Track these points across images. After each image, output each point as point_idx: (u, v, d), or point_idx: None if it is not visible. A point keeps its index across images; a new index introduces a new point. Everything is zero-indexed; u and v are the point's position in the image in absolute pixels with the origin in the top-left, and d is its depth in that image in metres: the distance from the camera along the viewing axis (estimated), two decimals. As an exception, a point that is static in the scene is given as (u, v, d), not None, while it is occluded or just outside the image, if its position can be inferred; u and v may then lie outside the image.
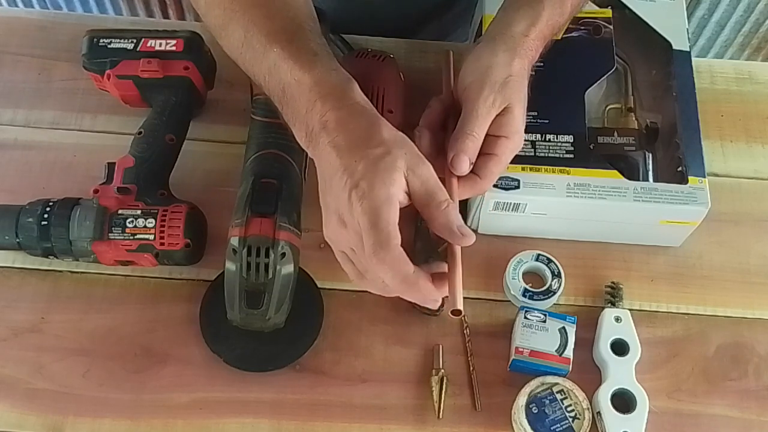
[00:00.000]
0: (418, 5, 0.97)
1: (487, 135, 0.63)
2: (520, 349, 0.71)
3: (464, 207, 0.79)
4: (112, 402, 0.70)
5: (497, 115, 0.63)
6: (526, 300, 0.74)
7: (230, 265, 0.66)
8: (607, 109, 0.82)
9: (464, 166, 0.63)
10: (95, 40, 0.79)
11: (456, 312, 0.57)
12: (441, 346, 0.73)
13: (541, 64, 0.79)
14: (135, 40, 0.78)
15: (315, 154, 0.60)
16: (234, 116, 0.84)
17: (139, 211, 0.71)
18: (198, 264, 0.76)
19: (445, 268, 0.59)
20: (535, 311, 0.73)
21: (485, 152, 0.63)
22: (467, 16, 0.92)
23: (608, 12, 0.82)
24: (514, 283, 0.75)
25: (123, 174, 0.73)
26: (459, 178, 0.63)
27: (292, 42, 0.61)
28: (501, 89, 0.63)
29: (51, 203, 0.72)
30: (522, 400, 0.69)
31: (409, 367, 0.73)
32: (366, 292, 0.75)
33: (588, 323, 0.74)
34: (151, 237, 0.71)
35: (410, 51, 0.90)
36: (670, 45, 0.81)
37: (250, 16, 0.63)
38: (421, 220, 0.78)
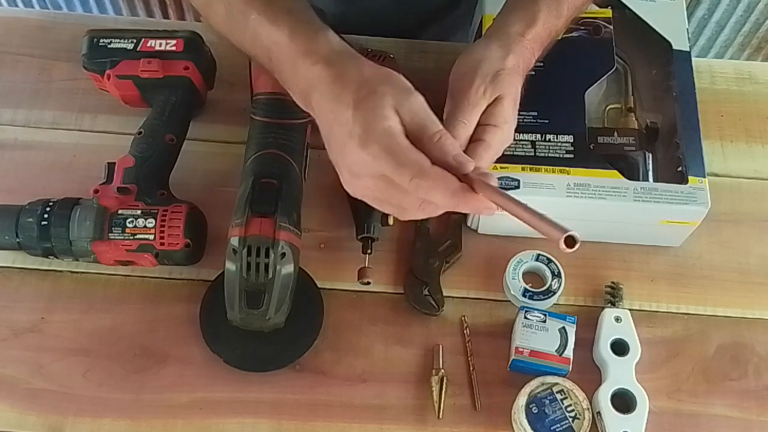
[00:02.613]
0: (419, 8, 0.97)
1: (477, 125, 0.63)
2: (520, 349, 0.71)
3: (464, 207, 0.79)
4: (112, 402, 0.70)
5: (488, 106, 0.63)
6: (526, 300, 0.74)
7: (230, 265, 0.66)
8: (607, 109, 0.82)
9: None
10: (95, 40, 0.79)
11: (570, 240, 0.49)
12: (441, 346, 0.73)
13: (541, 64, 0.79)
14: (135, 40, 0.78)
15: (313, 114, 0.60)
16: (234, 116, 0.84)
17: (139, 211, 0.71)
18: (198, 264, 0.76)
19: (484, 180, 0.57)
20: (535, 311, 0.73)
21: (475, 139, 0.63)
22: (467, 18, 0.92)
23: (608, 12, 0.82)
24: (514, 283, 0.75)
25: (123, 174, 0.73)
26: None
27: (269, 4, 0.61)
28: (492, 80, 0.63)
29: (51, 203, 0.72)
30: (522, 400, 0.69)
31: (409, 367, 0.73)
32: (366, 291, 0.76)
33: (588, 323, 0.74)
34: (151, 237, 0.71)
35: (410, 51, 0.90)
36: (670, 45, 0.81)
37: None
38: (421, 220, 0.79)
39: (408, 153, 0.54)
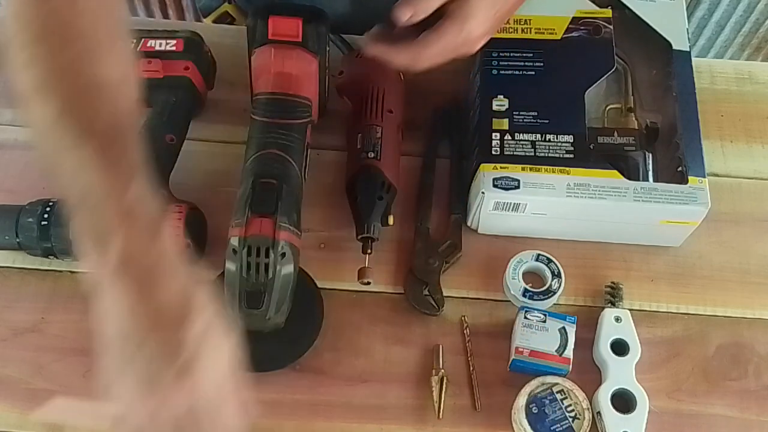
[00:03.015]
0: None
1: (441, 15, 0.64)
2: (520, 349, 0.71)
3: (464, 207, 0.79)
4: (112, 402, 0.70)
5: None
6: (526, 300, 0.74)
7: (230, 265, 0.66)
8: (607, 109, 0.82)
9: (402, 16, 0.64)
10: (95, 40, 0.79)
11: None
12: (441, 346, 0.73)
13: (541, 63, 0.79)
14: (135, 40, 0.78)
15: (103, 300, 0.51)
16: (234, 116, 0.84)
17: (139, 211, 0.71)
18: (198, 264, 0.75)
19: None
20: (535, 311, 0.73)
21: (433, 27, 0.64)
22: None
23: (608, 12, 0.82)
24: (514, 283, 0.75)
25: (123, 174, 0.73)
26: (396, 42, 0.66)
27: (111, 146, 0.51)
28: None
29: (51, 203, 0.72)
30: (522, 400, 0.69)
31: (409, 367, 0.73)
32: (366, 291, 0.76)
33: (588, 323, 0.74)
34: (151, 237, 0.70)
35: (410, 51, 0.90)
36: (670, 45, 0.81)
37: (73, 96, 0.52)
38: (421, 220, 0.79)
39: None
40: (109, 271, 0.49)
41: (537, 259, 0.76)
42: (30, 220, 0.71)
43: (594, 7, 0.82)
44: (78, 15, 0.53)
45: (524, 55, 0.79)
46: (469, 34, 0.65)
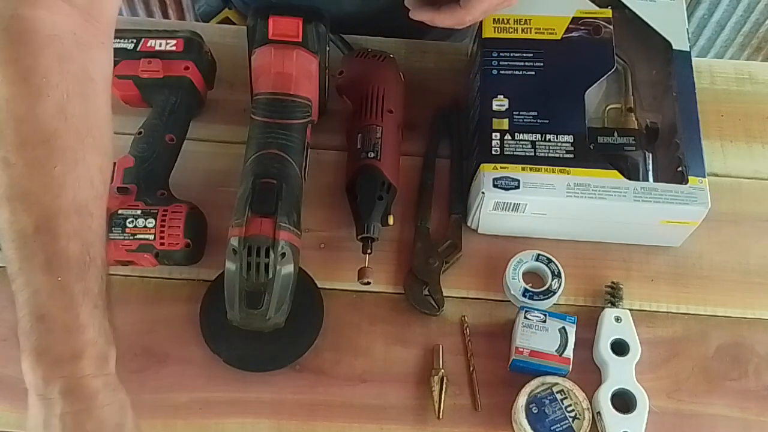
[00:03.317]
0: None
1: None
2: (520, 349, 0.71)
3: (464, 207, 0.79)
4: (112, 402, 0.70)
5: None
6: (526, 300, 0.74)
7: (230, 265, 0.66)
8: (607, 109, 0.82)
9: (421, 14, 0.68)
10: (95, 40, 0.79)
11: None
12: (441, 346, 0.73)
13: (541, 63, 0.79)
14: (135, 40, 0.78)
15: (41, 412, 0.54)
16: (234, 116, 0.84)
17: (139, 211, 0.71)
18: (198, 264, 0.76)
19: None
20: (535, 311, 0.73)
21: None
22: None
23: (608, 12, 0.82)
24: (514, 283, 0.75)
25: (123, 174, 0.73)
26: (441, 6, 0.68)
27: (80, 280, 0.54)
28: None
29: (51, 203, 0.72)
30: (522, 400, 0.69)
31: (409, 367, 0.73)
32: (366, 291, 0.76)
33: (588, 323, 0.74)
34: (151, 237, 0.71)
35: (410, 51, 0.90)
36: (670, 45, 0.81)
37: (51, 217, 0.53)
38: (421, 220, 0.79)
39: None
40: (51, 391, 0.53)
41: (537, 259, 0.76)
42: (30, 220, 0.71)
43: (594, 7, 0.82)
44: (66, 128, 0.54)
45: (524, 55, 0.79)
46: None
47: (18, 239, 0.53)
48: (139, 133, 0.76)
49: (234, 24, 0.99)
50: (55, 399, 0.53)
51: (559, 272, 0.75)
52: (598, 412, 0.70)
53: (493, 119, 0.76)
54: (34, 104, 0.53)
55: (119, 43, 0.78)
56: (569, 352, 0.71)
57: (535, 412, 0.69)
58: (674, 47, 0.81)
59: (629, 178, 0.74)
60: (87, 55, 0.57)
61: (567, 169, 0.74)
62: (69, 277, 0.54)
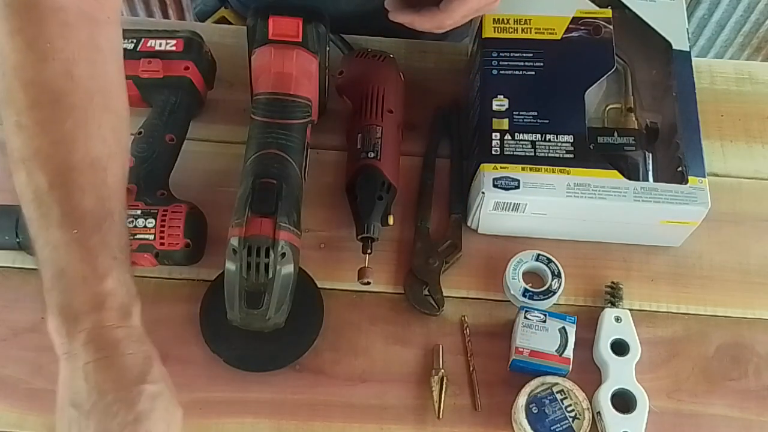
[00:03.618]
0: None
1: None
2: (520, 349, 0.71)
3: (464, 207, 0.79)
4: (112, 402, 0.70)
5: None
6: (526, 300, 0.74)
7: (230, 265, 0.66)
8: (607, 109, 0.82)
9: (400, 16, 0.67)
10: (95, 40, 0.79)
11: None
12: (441, 346, 0.73)
13: (541, 63, 0.79)
14: (135, 40, 0.78)
15: (67, 368, 0.55)
16: (234, 116, 0.84)
17: (139, 211, 0.71)
18: (198, 264, 0.76)
19: None
20: (535, 311, 0.73)
21: None
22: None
23: (608, 12, 0.82)
24: (514, 283, 0.75)
25: (123, 174, 0.73)
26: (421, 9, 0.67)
27: (96, 232, 0.55)
28: None
29: (51, 203, 0.72)
30: (522, 400, 0.69)
31: (409, 367, 0.73)
32: (366, 291, 0.76)
33: (588, 323, 0.74)
34: (151, 237, 0.71)
35: (410, 51, 0.90)
36: (670, 45, 0.81)
37: (63, 173, 0.54)
38: (421, 220, 0.79)
39: None
40: (75, 346, 0.54)
41: (537, 259, 0.76)
42: (30, 220, 0.71)
43: (594, 7, 0.82)
44: (73, 87, 0.55)
45: (524, 55, 0.79)
46: None
47: (35, 198, 0.54)
48: (139, 133, 0.76)
49: (230, 23, 0.99)
50: (78, 352, 0.54)
51: (559, 272, 0.75)
52: (598, 412, 0.70)
53: (493, 119, 0.76)
54: (41, 68, 0.55)
55: (119, 43, 0.78)
56: (569, 352, 0.71)
57: (535, 412, 0.69)
58: (674, 47, 0.81)
59: (629, 178, 0.74)
60: (93, 26, 0.58)
61: (567, 169, 0.74)
62: (85, 230, 0.54)
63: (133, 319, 0.56)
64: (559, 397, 0.69)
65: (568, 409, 0.69)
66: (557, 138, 0.75)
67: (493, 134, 0.76)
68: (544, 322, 0.72)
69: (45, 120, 0.55)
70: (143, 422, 0.53)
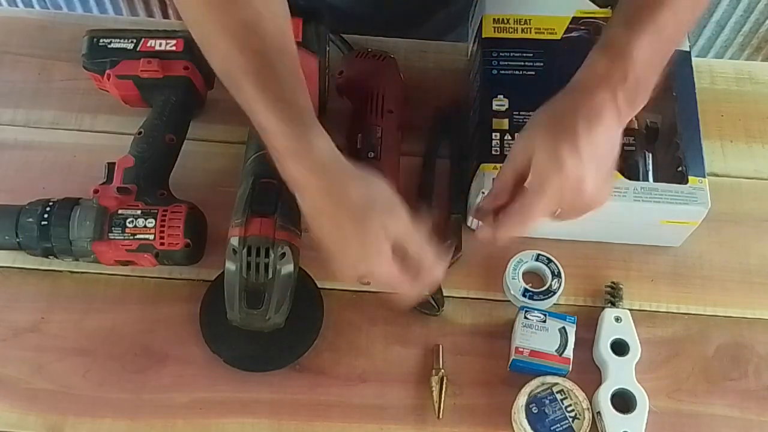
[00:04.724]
0: (416, 4, 0.97)
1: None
2: (520, 349, 0.71)
3: (464, 207, 0.79)
4: (112, 402, 0.70)
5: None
6: (526, 300, 0.74)
7: (230, 265, 0.66)
8: (607, 109, 0.82)
9: (484, 238, 0.62)
10: (95, 40, 0.79)
11: None
12: (441, 346, 0.73)
13: (541, 64, 0.79)
14: (135, 40, 0.78)
15: (299, 200, 0.61)
16: (234, 116, 0.82)
17: (139, 211, 0.71)
18: (198, 264, 0.76)
19: None
20: (535, 311, 0.73)
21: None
22: (465, 14, 0.92)
23: (608, 12, 0.82)
24: (514, 283, 0.75)
25: (123, 174, 0.73)
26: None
27: (263, 87, 0.58)
28: (529, 131, 0.59)
29: (51, 203, 0.72)
30: (522, 400, 0.69)
31: (409, 367, 0.73)
32: (366, 291, 0.76)
33: (588, 323, 0.74)
34: (151, 237, 0.71)
35: (410, 51, 0.90)
36: (670, 45, 0.81)
37: (253, 46, 0.59)
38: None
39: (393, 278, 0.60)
40: (294, 185, 0.59)
41: (537, 259, 0.76)
42: (30, 220, 0.71)
43: (594, 7, 0.82)
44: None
45: (524, 55, 0.79)
46: (546, 195, 0.58)
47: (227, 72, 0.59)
48: (139, 133, 0.76)
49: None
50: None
51: (559, 272, 0.75)
52: (598, 412, 0.70)
53: (493, 119, 0.76)
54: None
55: (119, 43, 0.78)
56: (569, 352, 0.71)
57: (535, 412, 0.69)
58: (674, 47, 0.81)
59: (629, 178, 0.74)
60: None
61: (567, 169, 0.73)
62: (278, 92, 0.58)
63: (314, 154, 0.57)
64: (559, 397, 0.69)
65: (568, 409, 0.69)
66: (557, 138, 0.75)
67: (493, 134, 0.76)
68: (544, 322, 0.72)
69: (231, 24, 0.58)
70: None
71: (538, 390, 0.70)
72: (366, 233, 0.57)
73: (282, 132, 0.57)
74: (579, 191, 0.58)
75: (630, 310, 0.75)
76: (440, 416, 0.70)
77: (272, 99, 0.57)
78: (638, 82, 0.58)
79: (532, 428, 0.68)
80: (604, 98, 0.57)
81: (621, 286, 0.76)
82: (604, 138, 0.58)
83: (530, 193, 0.58)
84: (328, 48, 0.77)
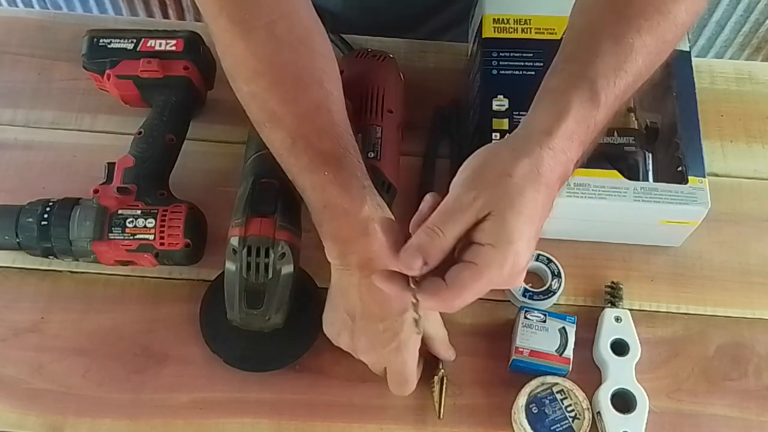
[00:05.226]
0: (415, 3, 0.97)
1: (473, 242, 0.53)
2: (520, 349, 0.71)
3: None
4: (112, 402, 0.70)
5: (484, 220, 0.52)
6: (526, 300, 0.74)
7: (230, 265, 0.66)
8: (607, 109, 0.82)
9: (413, 264, 0.52)
10: (95, 40, 0.79)
11: None
12: (441, 346, 0.73)
13: (541, 64, 0.79)
14: (135, 40, 0.78)
15: (343, 278, 0.66)
16: (234, 116, 0.83)
17: (139, 211, 0.71)
18: (198, 264, 0.76)
19: None
20: (535, 311, 0.73)
21: (465, 259, 0.52)
22: (465, 14, 0.92)
23: (608, 12, 0.82)
24: (514, 283, 0.75)
25: (123, 174, 0.73)
26: (420, 281, 0.53)
27: (342, 169, 0.63)
28: (488, 189, 0.53)
29: (51, 203, 0.72)
30: (522, 400, 0.69)
31: (409, 367, 0.73)
32: (366, 292, 0.75)
33: (588, 323, 0.74)
34: (151, 237, 0.71)
35: (410, 51, 0.90)
36: (670, 45, 0.81)
37: (298, 125, 0.64)
38: (421, 220, 0.79)
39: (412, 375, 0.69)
40: (349, 263, 0.65)
41: (537, 259, 0.76)
42: (30, 220, 0.71)
43: (594, 8, 0.82)
44: (279, 47, 0.63)
45: (524, 55, 0.79)
46: (515, 262, 0.52)
47: (284, 152, 0.65)
48: (139, 133, 0.76)
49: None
50: (352, 269, 0.65)
51: (559, 272, 0.75)
52: (598, 412, 0.70)
53: (493, 119, 0.76)
54: (247, 40, 0.63)
55: (119, 43, 0.78)
56: (569, 352, 0.71)
57: (535, 412, 0.69)
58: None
59: (629, 178, 0.74)
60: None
61: (567, 169, 0.73)
62: (332, 170, 0.63)
63: (396, 242, 0.55)
64: (559, 397, 0.69)
65: (568, 409, 0.69)
66: (557, 138, 0.75)
67: (493, 134, 0.76)
68: (544, 322, 0.72)
69: (269, 85, 0.64)
70: (402, 351, 0.66)
71: (538, 390, 0.70)
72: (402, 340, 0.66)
73: (367, 216, 0.64)
74: (516, 275, 0.54)
75: (630, 310, 0.75)
76: (440, 416, 0.70)
77: (352, 182, 0.64)
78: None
79: (532, 428, 0.68)
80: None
81: (621, 286, 0.76)
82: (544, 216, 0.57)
83: (498, 255, 0.52)
84: (328, 48, 0.76)
